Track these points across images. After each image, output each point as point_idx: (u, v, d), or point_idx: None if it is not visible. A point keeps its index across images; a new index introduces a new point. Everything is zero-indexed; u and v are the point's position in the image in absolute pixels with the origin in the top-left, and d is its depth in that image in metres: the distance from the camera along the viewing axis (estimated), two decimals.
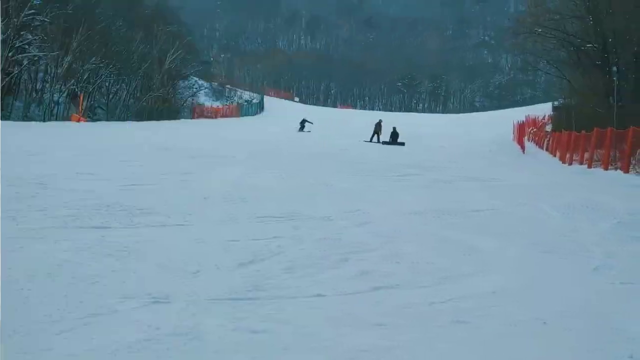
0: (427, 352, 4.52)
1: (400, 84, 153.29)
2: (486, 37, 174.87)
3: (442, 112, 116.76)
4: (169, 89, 58.27)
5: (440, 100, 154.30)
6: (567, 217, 10.97)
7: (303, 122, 44.62)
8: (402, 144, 31.87)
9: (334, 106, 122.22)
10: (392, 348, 4.50)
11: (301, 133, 40.33)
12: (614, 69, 33.08)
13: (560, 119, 42.68)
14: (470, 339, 4.93)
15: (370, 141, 33.82)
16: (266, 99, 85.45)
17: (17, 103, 41.52)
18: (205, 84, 79.43)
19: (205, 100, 74.09)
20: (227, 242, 7.53)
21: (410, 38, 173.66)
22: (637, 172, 19.40)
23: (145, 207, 9.76)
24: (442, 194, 13.83)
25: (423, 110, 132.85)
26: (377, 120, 35.99)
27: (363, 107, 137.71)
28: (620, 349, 4.82)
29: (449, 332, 5.06)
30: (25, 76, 43.24)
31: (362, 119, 57.82)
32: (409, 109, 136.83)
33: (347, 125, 50.19)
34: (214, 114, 62.85)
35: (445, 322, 5.25)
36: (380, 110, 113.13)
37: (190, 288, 5.80)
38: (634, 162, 20.37)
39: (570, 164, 25.60)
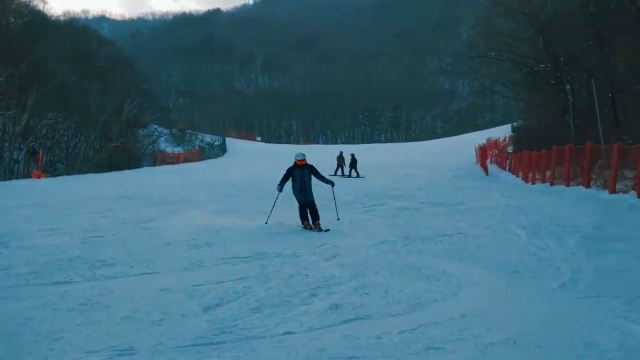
0: None
1: (361, 116, 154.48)
2: (443, 64, 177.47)
3: (404, 141, 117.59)
4: (129, 138, 57.97)
5: (402, 128, 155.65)
6: (535, 236, 11.04)
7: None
8: (362, 177, 31.89)
9: (297, 143, 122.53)
10: None
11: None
12: (568, 87, 33.67)
13: (520, 139, 43.27)
14: None
15: (335, 174, 33.92)
16: (228, 140, 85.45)
17: None
18: (165, 131, 79.22)
19: (166, 146, 73.79)
20: (192, 287, 7.40)
21: (368, 70, 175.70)
22: (597, 186, 19.65)
23: (108, 258, 9.61)
24: (410, 221, 13.84)
25: (385, 140, 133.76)
26: (339, 153, 36.07)
27: (326, 142, 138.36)
28: None
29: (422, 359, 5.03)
30: None
31: (327, 153, 57.99)
32: (371, 139, 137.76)
33: (312, 160, 50.30)
34: (175, 159, 62.49)
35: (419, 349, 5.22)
36: (342, 143, 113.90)
37: (155, 337, 5.68)
38: (594, 176, 20.65)
39: (533, 183, 25.80)
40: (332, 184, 13.48)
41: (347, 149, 40.40)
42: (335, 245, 10.57)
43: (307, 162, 13.22)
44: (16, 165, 41.98)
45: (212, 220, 14.45)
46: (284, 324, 6.00)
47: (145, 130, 66.62)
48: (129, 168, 48.10)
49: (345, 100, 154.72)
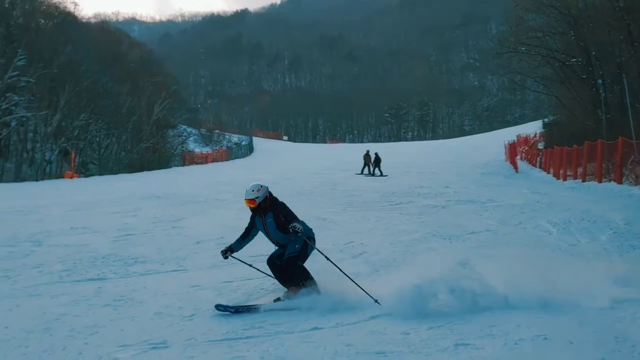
0: None
1: (387, 114, 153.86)
2: (471, 60, 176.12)
3: (432, 139, 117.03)
4: (159, 139, 58.52)
5: (429, 126, 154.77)
6: (565, 232, 11.00)
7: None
8: (385, 175, 31.82)
9: (324, 142, 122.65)
10: None
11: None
12: (599, 81, 33.16)
13: (551, 135, 42.89)
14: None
15: (362, 173, 33.94)
16: (255, 140, 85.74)
17: (7, 165, 41.54)
18: (194, 131, 79.81)
19: (194, 146, 74.24)
20: (222, 284, 7.54)
21: (394, 68, 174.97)
22: (630, 182, 19.46)
23: (139, 256, 9.79)
24: (438, 218, 13.84)
25: (412, 138, 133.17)
26: (365, 152, 36.06)
27: (352, 141, 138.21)
28: (625, 357, 4.83)
29: (451, 355, 5.07)
30: (14, 137, 43.38)
31: (353, 153, 57.97)
32: (398, 138, 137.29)
33: (338, 159, 50.28)
34: (204, 159, 62.83)
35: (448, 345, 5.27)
36: (369, 142, 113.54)
37: (187, 332, 5.81)
38: (626, 172, 20.45)
39: (564, 179, 25.58)
40: (303, 235, 6.97)
41: (374, 148, 40.37)
42: (362, 243, 10.64)
43: (269, 200, 7.23)
44: (48, 165, 42.60)
45: (239, 219, 14.55)
46: (312, 319, 6.09)
47: (175, 131, 67.20)
48: (159, 168, 48.49)
49: (372, 99, 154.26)
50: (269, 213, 7.12)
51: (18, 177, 38.77)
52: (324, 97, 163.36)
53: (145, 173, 42.00)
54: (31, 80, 41.02)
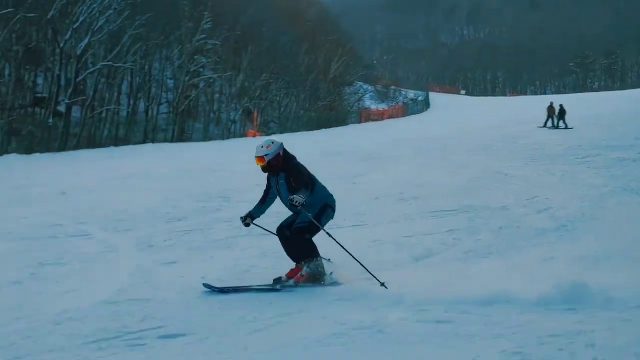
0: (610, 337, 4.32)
1: (572, 64, 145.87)
2: None
3: (620, 89, 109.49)
4: (335, 97, 59.41)
5: (617, 76, 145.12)
6: None
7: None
8: (571, 128, 30.32)
9: (503, 95, 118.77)
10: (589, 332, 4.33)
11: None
12: None
13: None
14: None
15: (545, 126, 32.59)
16: (432, 95, 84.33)
17: (197, 125, 44.03)
18: (370, 88, 79.99)
19: (371, 103, 74.43)
20: (403, 238, 7.61)
21: (580, 14, 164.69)
22: None
23: None
24: (629, 172, 13.08)
25: (599, 89, 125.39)
26: (549, 104, 34.48)
27: (534, 93, 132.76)
28: None
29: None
30: (202, 99, 45.82)
31: (535, 105, 55.66)
32: (583, 89, 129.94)
33: (519, 112, 48.52)
34: (380, 116, 62.94)
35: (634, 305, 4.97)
36: (552, 94, 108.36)
37: (368, 283, 5.93)
38: None
39: None
40: (303, 209, 6.07)
41: (558, 100, 38.51)
42: (547, 198, 10.27)
43: (281, 159, 6.34)
44: (233, 125, 44.69)
45: (417, 174, 14.56)
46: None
47: (351, 89, 67.87)
48: (336, 126, 49.31)
49: (555, 48, 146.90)
50: (281, 173, 6.27)
51: (206, 137, 41.01)
52: (504, 48, 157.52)
53: (323, 131, 42.89)
54: (217, 42, 42.92)
